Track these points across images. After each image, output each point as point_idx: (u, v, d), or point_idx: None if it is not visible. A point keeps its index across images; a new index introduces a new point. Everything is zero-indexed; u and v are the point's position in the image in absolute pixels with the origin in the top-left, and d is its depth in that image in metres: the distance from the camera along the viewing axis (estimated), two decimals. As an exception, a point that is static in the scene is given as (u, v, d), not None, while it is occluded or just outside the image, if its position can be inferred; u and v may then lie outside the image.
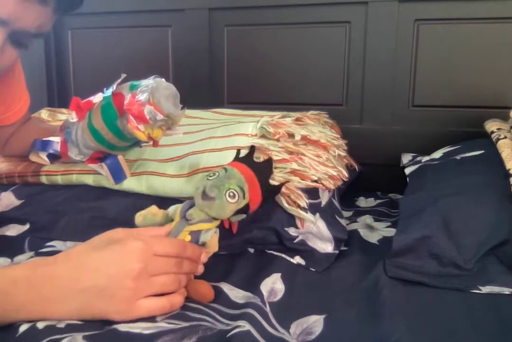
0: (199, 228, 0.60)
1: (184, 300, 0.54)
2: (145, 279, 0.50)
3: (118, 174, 0.79)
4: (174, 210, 0.63)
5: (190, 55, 1.29)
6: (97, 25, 1.37)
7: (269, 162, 0.68)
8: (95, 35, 1.38)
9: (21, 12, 0.65)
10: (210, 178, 0.61)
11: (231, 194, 0.59)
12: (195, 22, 1.27)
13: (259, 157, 0.74)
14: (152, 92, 0.66)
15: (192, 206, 0.61)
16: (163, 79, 0.69)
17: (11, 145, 0.91)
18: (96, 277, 0.49)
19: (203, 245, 0.61)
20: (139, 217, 0.63)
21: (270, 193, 0.66)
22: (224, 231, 0.72)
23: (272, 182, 0.67)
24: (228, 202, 0.59)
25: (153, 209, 0.63)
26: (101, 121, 0.71)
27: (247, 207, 0.61)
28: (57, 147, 0.80)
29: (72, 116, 0.74)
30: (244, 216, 0.63)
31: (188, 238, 0.60)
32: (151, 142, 0.75)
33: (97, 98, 0.73)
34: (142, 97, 0.66)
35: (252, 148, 0.68)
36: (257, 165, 0.65)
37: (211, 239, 0.61)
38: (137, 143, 0.78)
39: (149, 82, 0.68)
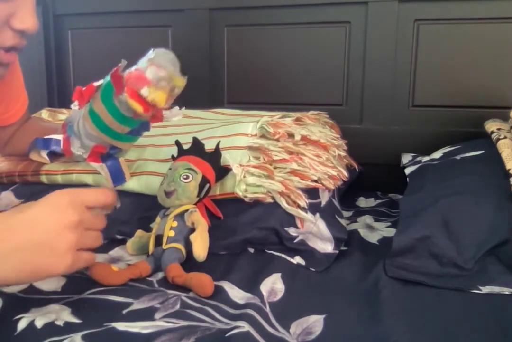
0: (178, 210, 0.67)
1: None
2: (82, 231, 0.49)
3: (118, 176, 0.79)
4: (153, 224, 0.70)
5: (190, 55, 1.29)
6: (97, 25, 1.37)
7: (217, 147, 0.75)
8: (95, 35, 1.38)
9: None
10: (162, 183, 0.70)
11: (184, 176, 0.68)
12: (195, 22, 1.27)
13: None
14: (153, 58, 0.66)
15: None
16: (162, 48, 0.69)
17: (12, 145, 0.91)
18: (29, 234, 0.47)
19: (193, 224, 0.67)
20: (128, 244, 0.71)
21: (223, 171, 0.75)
22: (224, 231, 0.72)
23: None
24: (187, 183, 0.68)
25: (138, 233, 0.71)
26: (100, 102, 0.71)
27: (205, 178, 0.70)
28: (60, 144, 0.80)
29: (75, 104, 0.74)
30: (209, 185, 0.71)
31: (175, 223, 0.66)
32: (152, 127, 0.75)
33: (98, 82, 0.73)
34: (141, 64, 0.66)
35: (194, 140, 0.75)
36: (199, 149, 0.74)
37: (196, 215, 0.67)
38: (138, 131, 0.77)
39: (148, 54, 0.68)
